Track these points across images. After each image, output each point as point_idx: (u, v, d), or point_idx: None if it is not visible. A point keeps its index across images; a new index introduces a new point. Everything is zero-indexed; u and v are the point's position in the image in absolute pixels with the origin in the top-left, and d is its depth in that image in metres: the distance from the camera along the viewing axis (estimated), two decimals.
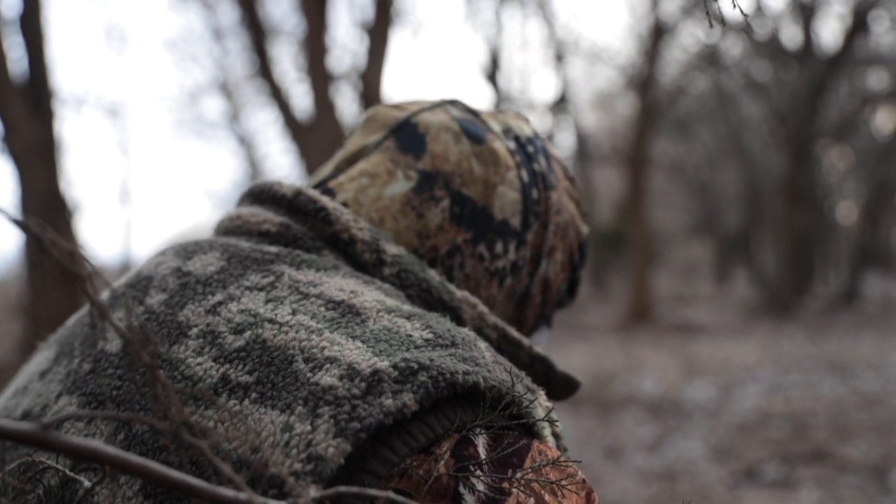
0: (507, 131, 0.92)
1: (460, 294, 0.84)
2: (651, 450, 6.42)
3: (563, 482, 0.66)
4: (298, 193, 0.85)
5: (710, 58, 15.03)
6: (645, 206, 15.25)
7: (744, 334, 12.98)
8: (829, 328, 13.42)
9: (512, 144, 0.90)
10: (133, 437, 0.67)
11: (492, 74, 13.32)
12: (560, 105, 15.20)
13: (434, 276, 0.84)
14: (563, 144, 20.03)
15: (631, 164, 14.94)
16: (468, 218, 0.86)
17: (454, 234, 0.86)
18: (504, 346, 0.85)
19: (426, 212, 0.86)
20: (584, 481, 0.68)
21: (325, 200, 0.84)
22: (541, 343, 0.98)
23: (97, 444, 0.37)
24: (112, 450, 0.37)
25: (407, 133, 0.89)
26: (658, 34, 14.13)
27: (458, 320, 0.83)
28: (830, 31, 21.11)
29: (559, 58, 15.14)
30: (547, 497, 0.64)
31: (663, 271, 23.42)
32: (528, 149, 0.91)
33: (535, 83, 24.15)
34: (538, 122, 16.23)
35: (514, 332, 0.86)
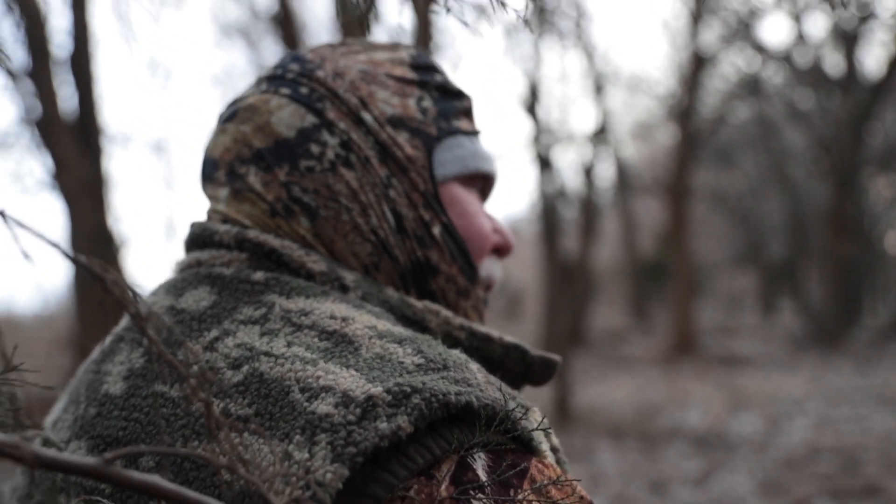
0: (259, 82, 0.94)
1: (421, 305, 0.86)
2: (697, 484, 6.31)
3: (564, 501, 0.67)
4: (241, 240, 0.86)
5: (751, 87, 14.93)
6: (687, 236, 15.13)
7: (791, 366, 12.73)
8: (878, 360, 13.10)
9: (264, 86, 0.93)
10: None
11: (531, 106, 13.33)
12: (600, 136, 15.16)
13: (392, 294, 0.86)
14: (604, 175, 19.98)
15: (672, 195, 14.85)
16: (273, 160, 0.88)
17: (275, 177, 0.87)
18: (475, 343, 0.87)
19: (249, 187, 0.88)
20: (582, 497, 0.69)
21: (271, 240, 0.85)
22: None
23: (156, 478, 0.39)
24: (170, 485, 0.38)
25: (206, 169, 0.94)
26: (698, 64, 14.09)
27: (425, 330, 0.85)
28: (874, 58, 20.87)
29: (598, 89, 15.13)
30: None
31: (707, 302, 23.13)
32: (276, 72, 0.93)
33: (575, 114, 24.27)
34: (576, 154, 16.24)
35: (481, 328, 0.88)
